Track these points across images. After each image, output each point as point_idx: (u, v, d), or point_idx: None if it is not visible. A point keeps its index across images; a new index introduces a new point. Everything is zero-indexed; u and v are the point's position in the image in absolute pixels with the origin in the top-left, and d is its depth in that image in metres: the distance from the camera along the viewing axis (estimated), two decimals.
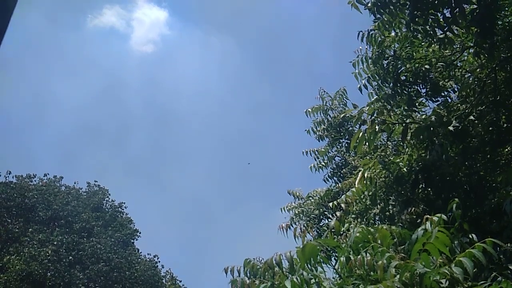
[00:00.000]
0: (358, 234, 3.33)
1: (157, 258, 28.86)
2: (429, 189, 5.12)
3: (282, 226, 4.23)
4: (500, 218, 3.95)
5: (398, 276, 2.86)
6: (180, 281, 26.05)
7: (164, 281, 29.22)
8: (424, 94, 5.68)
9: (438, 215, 3.27)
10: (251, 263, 4.02)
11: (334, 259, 4.16)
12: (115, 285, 23.14)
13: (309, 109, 8.24)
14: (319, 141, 8.61)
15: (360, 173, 5.45)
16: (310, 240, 3.52)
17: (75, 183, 25.70)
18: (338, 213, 4.02)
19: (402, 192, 5.29)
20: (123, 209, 27.72)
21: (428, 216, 3.24)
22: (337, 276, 3.60)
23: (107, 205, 27.05)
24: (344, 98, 8.47)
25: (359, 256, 3.13)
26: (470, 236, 3.42)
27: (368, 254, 3.15)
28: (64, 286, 19.90)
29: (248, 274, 4.07)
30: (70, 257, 20.73)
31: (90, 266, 21.68)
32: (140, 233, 27.18)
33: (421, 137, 4.83)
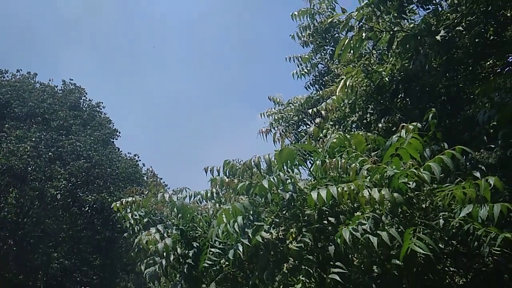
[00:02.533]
0: (334, 140, 3.43)
1: (138, 157, 29.49)
2: (408, 99, 5.19)
3: (262, 131, 4.28)
4: (472, 129, 4.11)
5: (368, 177, 3.03)
6: (161, 179, 27.05)
7: (145, 178, 30.25)
8: (416, 0, 5.44)
9: (414, 123, 3.37)
10: (231, 164, 4.15)
11: (310, 162, 4.33)
12: (97, 180, 23.85)
13: (296, 13, 7.85)
14: (303, 47, 8.38)
15: (342, 81, 5.42)
16: (288, 145, 3.62)
17: (50, 80, 24.85)
18: (317, 120, 4.08)
19: (381, 101, 5.35)
20: (101, 109, 27.44)
21: (404, 124, 3.33)
22: (312, 177, 3.78)
23: (84, 104, 26.65)
24: (333, 2, 8.06)
25: (334, 160, 3.26)
26: (442, 145, 3.59)
27: (342, 158, 3.28)
28: (45, 180, 20.38)
29: (227, 174, 4.22)
30: (50, 153, 20.92)
31: (71, 162, 22.04)
32: (119, 132, 27.36)
33: (407, 46, 4.75)
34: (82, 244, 22.95)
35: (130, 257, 25.62)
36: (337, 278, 2.83)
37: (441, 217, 2.85)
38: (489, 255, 2.94)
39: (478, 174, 3.47)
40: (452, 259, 3.15)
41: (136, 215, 4.37)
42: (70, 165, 21.80)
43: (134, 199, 4.38)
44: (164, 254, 3.83)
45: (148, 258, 4.14)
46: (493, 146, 3.73)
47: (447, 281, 3.22)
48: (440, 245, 2.86)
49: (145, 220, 4.40)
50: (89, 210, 23.41)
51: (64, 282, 22.26)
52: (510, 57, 4.57)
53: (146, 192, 4.70)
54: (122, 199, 4.49)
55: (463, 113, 4.30)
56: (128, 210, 4.39)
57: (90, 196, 22.54)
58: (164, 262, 3.86)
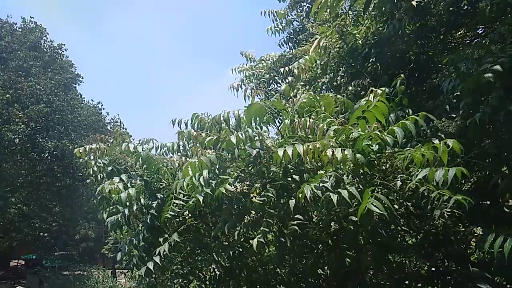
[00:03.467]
0: (305, 100, 3.44)
1: (101, 105, 28.61)
2: (378, 64, 5.23)
3: (233, 86, 4.23)
4: (436, 97, 4.23)
5: (334, 138, 3.09)
6: (126, 129, 26.55)
7: (109, 127, 29.57)
8: None
9: (382, 88, 3.42)
10: (199, 117, 4.10)
11: (279, 121, 4.34)
12: (57, 126, 23.09)
13: None
14: (279, 2, 8.19)
15: (316, 41, 5.37)
16: (259, 101, 3.60)
17: (8, 16, 23.17)
18: (289, 78, 4.05)
19: (353, 64, 5.37)
20: (63, 51, 26.09)
21: (373, 88, 3.38)
22: (280, 136, 3.81)
23: (45, 45, 25.20)
24: None
25: (302, 119, 3.29)
26: (407, 111, 3.69)
27: (311, 118, 3.32)
28: (2, 123, 19.50)
29: (195, 127, 4.19)
30: (8, 95, 19.89)
31: (30, 106, 21.13)
32: (82, 78, 26.27)
33: (383, 8, 4.72)
34: (41, 190, 22.54)
35: (91, 206, 25.51)
36: (297, 228, 2.93)
37: (398, 179, 2.98)
38: (439, 218, 3.12)
39: (437, 141, 3.63)
40: (405, 219, 3.33)
41: (99, 163, 4.29)
42: (29, 109, 20.90)
43: (98, 146, 4.28)
44: (127, 203, 3.82)
45: (111, 207, 4.12)
46: (454, 115, 3.86)
47: (398, 239, 3.43)
48: (395, 206, 3.00)
49: (109, 168, 4.33)
50: (49, 157, 22.80)
51: (22, 228, 22.00)
52: (480, 29, 4.64)
53: (111, 141, 4.59)
54: (85, 146, 4.37)
55: (429, 81, 4.39)
56: (92, 157, 4.29)
57: (50, 142, 21.89)
58: (126, 211, 3.86)
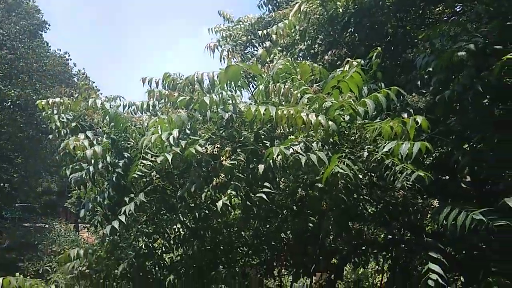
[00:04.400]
0: (281, 66, 3.40)
1: (68, 56, 27.37)
2: (356, 34, 5.21)
3: (209, 46, 4.10)
4: (409, 72, 4.28)
5: (308, 106, 3.10)
6: (94, 83, 25.64)
7: (76, 79, 28.43)
8: None
9: (358, 60, 3.41)
10: (171, 77, 3.99)
11: (253, 86, 4.29)
12: (21, 75, 21.99)
13: None
14: None
15: (297, 5, 5.25)
16: (236, 64, 3.52)
17: None
18: (267, 43, 3.97)
19: (331, 32, 5.31)
20: None
21: (350, 59, 3.37)
22: (253, 101, 3.78)
23: None
24: None
25: (278, 85, 3.26)
26: (380, 84, 3.72)
27: (286, 85, 3.29)
28: None
29: (167, 87, 4.07)
30: None
31: None
32: (49, 25, 24.82)
33: None
34: (3, 140, 21.68)
35: (54, 159, 24.83)
36: (264, 196, 2.97)
37: (366, 150, 3.04)
38: (400, 189, 3.24)
39: (405, 115, 3.71)
40: (367, 189, 3.43)
41: (63, 118, 4.13)
42: None
43: (62, 100, 4.10)
44: (93, 161, 3.74)
45: (75, 164, 4.02)
46: (424, 91, 3.93)
47: (360, 208, 3.55)
48: (360, 175, 3.07)
49: (73, 124, 4.19)
50: (12, 106, 21.81)
51: None
52: (458, 7, 4.67)
53: (76, 95, 4.40)
54: (49, 99, 4.18)
55: (404, 56, 4.42)
56: (55, 111, 4.12)
57: (13, 91, 20.87)
58: (91, 169, 3.77)
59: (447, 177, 4.29)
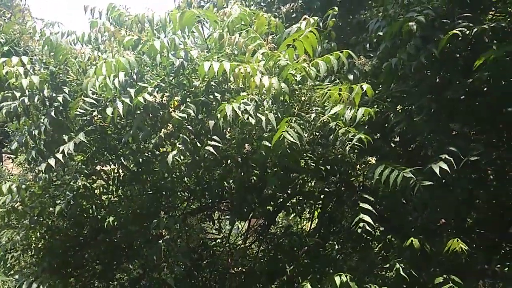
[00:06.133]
0: (238, 15, 3.28)
1: None
2: None
3: None
4: (360, 34, 4.37)
5: (262, 63, 3.08)
6: (28, 6, 22.88)
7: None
8: None
9: (315, 18, 3.40)
10: (118, 10, 3.69)
11: (202, 28, 4.11)
12: None
13: None
14: None
15: None
16: (191, 8, 3.33)
17: None
18: None
19: None
20: None
21: (307, 16, 3.34)
22: (205, 48, 3.65)
23: None
24: None
25: (233, 36, 3.17)
26: (332, 44, 3.77)
27: (241, 37, 3.21)
28: None
29: (111, 21, 3.79)
30: None
31: None
32: None
33: None
34: None
35: None
36: (212, 150, 3.01)
37: (314, 112, 3.15)
38: (340, 147, 3.45)
39: (351, 77, 3.85)
40: (310, 146, 3.60)
41: None
42: None
43: None
44: (28, 92, 3.46)
45: (6, 91, 3.69)
46: (371, 55, 4.06)
47: (302, 163, 3.74)
48: (305, 134, 3.20)
49: (5, 48, 3.78)
50: None
51: None
52: None
53: (9, 16, 3.93)
54: None
55: (357, 16, 4.48)
56: None
57: None
58: (26, 100, 3.50)
59: (379, 136, 4.59)
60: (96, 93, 3.44)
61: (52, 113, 3.51)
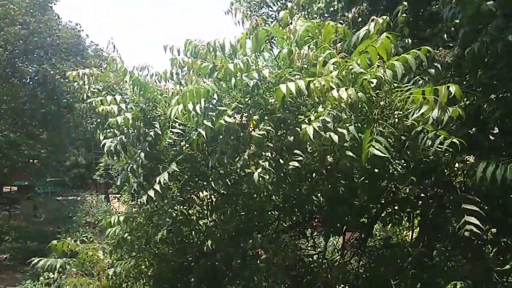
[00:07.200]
0: (305, 28, 3.31)
1: (80, 27, 27.29)
2: None
3: (230, 10, 4.03)
4: (434, 26, 4.14)
5: (334, 72, 3.04)
6: (119, 55, 25.59)
7: (89, 51, 28.41)
8: None
9: (384, 17, 3.30)
10: (193, 43, 3.96)
11: (271, 48, 4.21)
12: (36, 50, 22.14)
13: None
14: None
15: None
16: (261, 27, 3.44)
17: None
18: (289, 4, 3.86)
19: None
20: None
21: (374, 17, 3.26)
22: (276, 65, 3.74)
23: None
24: None
25: (302, 50, 3.21)
26: (406, 41, 3.62)
27: (311, 49, 3.23)
28: None
29: (189, 55, 4.06)
30: None
31: (5, 28, 19.93)
32: None
33: None
34: (27, 117, 22.15)
35: (79, 133, 25.35)
36: (296, 164, 3.00)
37: (396, 116, 2.99)
38: (430, 147, 3.21)
39: (432, 71, 3.62)
40: (397, 152, 3.41)
41: (94, 88, 4.22)
42: (4, 31, 19.72)
43: (92, 71, 4.17)
44: (124, 128, 3.83)
45: (107, 130, 4.13)
46: (451, 45, 3.81)
47: (391, 170, 3.57)
48: (390, 140, 3.05)
49: (103, 93, 4.26)
50: (31, 82, 22.11)
51: (11, 155, 21.95)
52: None
53: (105, 66, 4.44)
54: (78, 70, 4.25)
55: (428, 8, 4.26)
56: (86, 82, 4.20)
57: (30, 67, 21.10)
58: (124, 138, 3.87)
59: (475, 130, 4.22)
60: (182, 124, 3.69)
61: (147, 147, 3.83)
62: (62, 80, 20.37)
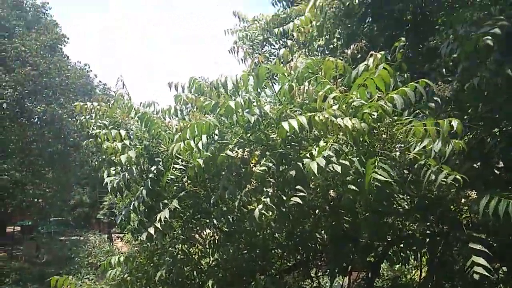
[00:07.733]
0: (305, 65, 3.38)
1: (88, 67, 27.99)
2: (375, 24, 5.14)
3: (232, 49, 4.14)
4: (433, 61, 4.19)
5: (335, 106, 3.06)
6: (128, 92, 26.14)
7: (97, 90, 29.01)
8: None
9: (382, 52, 3.36)
10: (197, 81, 4.02)
11: (273, 84, 4.26)
12: (45, 90, 22.64)
13: None
14: None
15: (311, 0, 5.22)
16: (261, 65, 3.51)
17: None
18: (289, 42, 3.97)
19: (349, 25, 5.26)
20: (46, 10, 25.12)
21: (373, 52, 3.32)
22: (277, 101, 3.77)
23: (28, 3, 24.20)
24: None
25: (302, 86, 3.25)
26: (405, 75, 3.66)
27: (311, 85, 3.27)
28: None
29: (192, 91, 4.12)
30: None
31: (16, 69, 20.51)
32: (68, 39, 25.42)
33: None
34: (33, 156, 22.34)
35: (84, 171, 25.43)
36: (298, 200, 2.95)
37: (397, 149, 2.98)
38: (434, 182, 3.16)
39: (432, 105, 3.63)
40: (400, 186, 3.36)
41: (100, 123, 4.25)
42: (15, 72, 20.27)
43: (99, 105, 4.22)
44: (127, 166, 3.82)
45: (111, 168, 4.13)
46: (450, 79, 3.84)
47: (394, 205, 3.50)
48: (393, 174, 3.01)
49: (110, 127, 4.28)
50: (39, 122, 22.48)
51: (15, 194, 21.98)
52: None
53: (112, 102, 4.50)
54: (86, 104, 4.30)
55: (426, 44, 4.34)
56: (93, 116, 4.24)
57: (39, 107, 21.50)
58: (127, 175, 3.86)
59: (479, 165, 4.17)
60: (185, 160, 3.69)
61: (149, 184, 3.81)
62: (70, 119, 20.72)
